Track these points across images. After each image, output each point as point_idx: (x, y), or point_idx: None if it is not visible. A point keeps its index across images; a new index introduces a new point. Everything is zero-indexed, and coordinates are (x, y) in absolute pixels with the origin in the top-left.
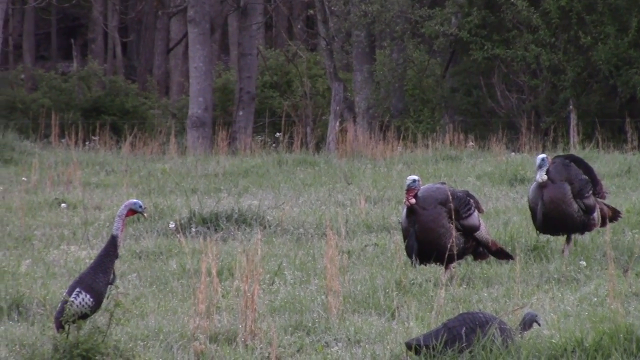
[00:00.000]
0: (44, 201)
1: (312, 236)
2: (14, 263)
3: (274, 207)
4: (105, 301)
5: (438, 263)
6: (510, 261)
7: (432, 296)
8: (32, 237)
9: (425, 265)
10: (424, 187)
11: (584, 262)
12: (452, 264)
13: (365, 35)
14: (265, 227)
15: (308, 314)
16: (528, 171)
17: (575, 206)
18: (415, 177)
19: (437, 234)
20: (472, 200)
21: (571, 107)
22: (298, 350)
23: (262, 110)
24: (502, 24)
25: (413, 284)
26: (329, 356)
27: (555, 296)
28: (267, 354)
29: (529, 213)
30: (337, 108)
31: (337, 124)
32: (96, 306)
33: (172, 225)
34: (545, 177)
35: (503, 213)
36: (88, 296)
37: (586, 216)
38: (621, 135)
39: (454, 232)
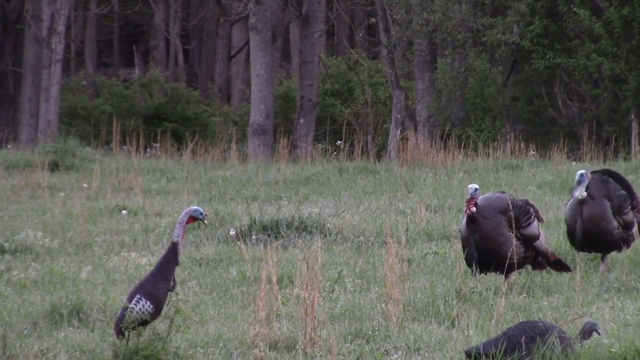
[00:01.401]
0: (104, 208)
1: (372, 244)
2: (74, 269)
3: (335, 215)
4: (165, 308)
5: (498, 272)
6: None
7: (492, 305)
8: (93, 244)
9: (486, 274)
10: (483, 196)
11: None
12: (512, 273)
13: (426, 44)
14: (325, 235)
15: (368, 321)
16: None
17: (615, 223)
18: (476, 186)
19: (497, 243)
20: (532, 209)
21: (632, 116)
22: (357, 358)
23: (323, 118)
24: (564, 33)
25: (473, 292)
26: None
27: (615, 305)
28: None
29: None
30: (398, 116)
31: (398, 132)
32: (156, 313)
33: (232, 232)
34: (585, 194)
35: (564, 222)
36: (148, 303)
37: (625, 232)
38: None
39: (514, 241)
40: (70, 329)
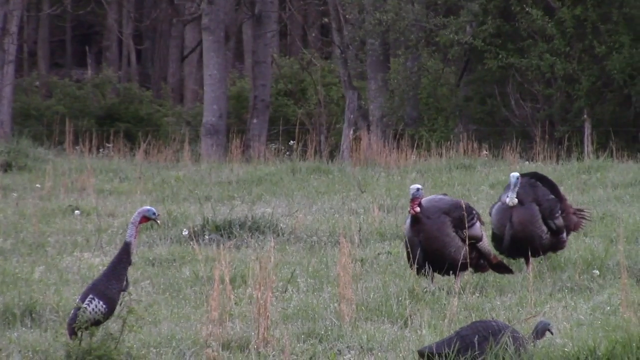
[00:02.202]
0: (57, 208)
1: (325, 244)
2: (27, 269)
3: (288, 215)
4: (118, 308)
5: (446, 274)
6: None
7: (444, 304)
8: (46, 244)
9: (432, 277)
10: (427, 198)
11: (597, 271)
12: (463, 273)
13: (379, 44)
14: (278, 235)
15: (321, 321)
16: None
17: (544, 228)
18: (419, 186)
19: (442, 243)
20: (474, 211)
21: (585, 116)
22: (310, 358)
23: (276, 118)
24: (516, 33)
25: (426, 292)
26: None
27: (568, 305)
28: None
29: None
30: (351, 116)
31: (351, 132)
32: (109, 313)
33: (185, 232)
34: (516, 201)
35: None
36: (101, 303)
37: (554, 237)
38: (635, 144)
39: (459, 242)
40: (23, 329)
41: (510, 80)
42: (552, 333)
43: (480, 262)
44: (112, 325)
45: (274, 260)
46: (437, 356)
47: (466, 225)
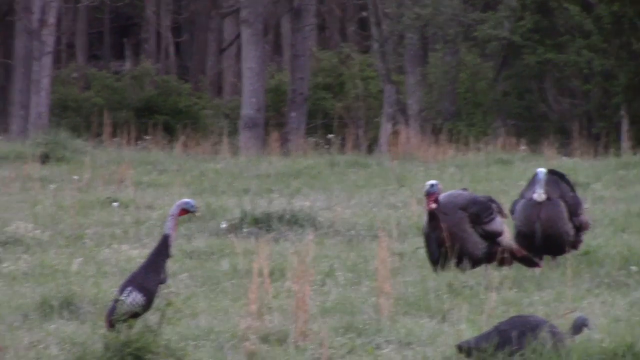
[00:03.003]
0: (95, 200)
1: (363, 238)
2: (65, 261)
3: (326, 209)
4: (156, 300)
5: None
6: (557, 266)
7: (483, 299)
8: (84, 236)
9: (443, 270)
10: (445, 193)
11: (635, 267)
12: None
13: (418, 38)
14: (317, 228)
15: (359, 315)
16: (580, 175)
17: (570, 225)
18: (434, 182)
19: (459, 239)
20: (494, 206)
21: (623, 112)
22: (349, 352)
23: (314, 112)
24: (554, 29)
25: (464, 286)
26: (379, 358)
27: (605, 301)
28: (318, 355)
29: None
30: (390, 110)
31: (390, 126)
32: (147, 305)
33: (224, 225)
34: (544, 196)
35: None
36: (139, 295)
37: (576, 235)
38: None
39: (477, 238)
40: (61, 321)
41: (548, 76)
42: (589, 328)
43: (504, 256)
44: (151, 317)
45: (312, 253)
46: (475, 351)
47: (483, 221)
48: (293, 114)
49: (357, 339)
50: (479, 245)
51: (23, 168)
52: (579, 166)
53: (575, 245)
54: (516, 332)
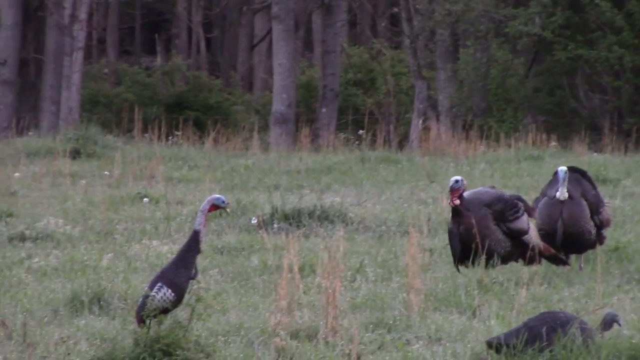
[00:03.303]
0: (126, 195)
1: (394, 234)
2: (95, 257)
3: (356, 205)
4: (186, 296)
5: (479, 264)
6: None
7: (513, 295)
8: (114, 231)
9: (466, 267)
10: (472, 190)
11: None
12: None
13: (449, 34)
14: (347, 224)
15: (389, 311)
16: (610, 171)
17: (592, 223)
18: (458, 178)
19: (481, 236)
20: (521, 204)
21: None
22: (379, 348)
23: (345, 108)
24: (585, 25)
25: (494, 282)
26: (409, 354)
27: (635, 297)
28: (347, 351)
29: (611, 214)
30: (421, 106)
31: (420, 122)
32: (177, 301)
33: (254, 221)
34: (567, 195)
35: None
36: (169, 291)
37: (597, 233)
38: None
39: (500, 235)
40: (91, 316)
41: (579, 72)
42: (619, 325)
43: (529, 254)
44: (181, 313)
45: (342, 249)
46: (505, 347)
47: (508, 219)
48: (324, 110)
49: (387, 335)
50: (502, 243)
51: (54, 164)
52: (609, 162)
53: (596, 243)
54: (546, 328)
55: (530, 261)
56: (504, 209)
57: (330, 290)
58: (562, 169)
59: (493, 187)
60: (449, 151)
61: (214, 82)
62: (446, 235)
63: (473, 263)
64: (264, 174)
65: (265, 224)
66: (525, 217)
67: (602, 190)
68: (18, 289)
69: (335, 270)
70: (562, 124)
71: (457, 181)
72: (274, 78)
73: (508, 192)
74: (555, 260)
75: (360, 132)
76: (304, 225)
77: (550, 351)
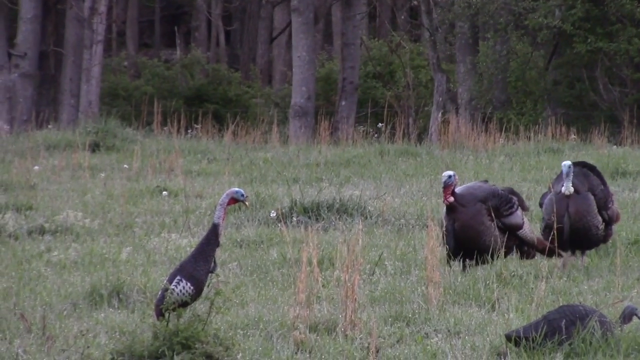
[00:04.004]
0: (145, 189)
1: (413, 227)
2: (114, 250)
3: (376, 198)
4: (205, 289)
5: (483, 263)
6: (609, 254)
7: (532, 288)
8: (133, 225)
9: (464, 262)
10: (465, 185)
11: None
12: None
13: (468, 27)
14: (366, 218)
15: (408, 304)
16: (630, 164)
17: (599, 218)
18: (451, 173)
19: (476, 232)
20: (514, 199)
21: None
22: (398, 341)
23: (364, 101)
24: (605, 17)
25: (513, 276)
26: (428, 347)
27: None
28: (366, 344)
29: (630, 206)
30: (440, 99)
31: (440, 115)
32: (196, 294)
33: (273, 214)
34: (572, 189)
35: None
36: (189, 284)
37: (605, 229)
38: None
39: (496, 231)
40: (110, 310)
41: (598, 65)
42: (639, 318)
43: (524, 248)
44: (200, 306)
45: (361, 242)
46: (524, 340)
47: (503, 214)
48: (343, 103)
49: (405, 328)
50: (497, 239)
51: (73, 157)
52: (628, 155)
53: (605, 238)
54: (565, 322)
55: (524, 255)
56: (499, 205)
57: (349, 284)
58: (566, 163)
59: (486, 182)
60: (468, 144)
61: (233, 75)
62: None
63: (476, 261)
64: (283, 167)
65: (284, 217)
66: (519, 211)
67: (621, 183)
68: (37, 282)
69: (354, 263)
70: (581, 116)
71: (450, 177)
72: (294, 71)
73: (500, 186)
74: (549, 253)
75: (380, 125)
76: (323, 219)
77: (570, 344)
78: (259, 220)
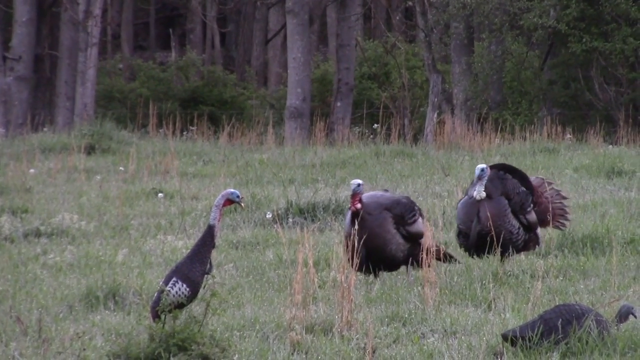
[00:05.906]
0: (141, 191)
1: None
2: (110, 252)
3: None
4: (201, 291)
5: (388, 270)
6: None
7: (528, 288)
8: (129, 227)
9: (376, 272)
10: (368, 194)
11: None
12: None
13: (463, 27)
14: None
15: (404, 305)
16: (625, 164)
17: (515, 223)
18: (360, 181)
19: (383, 240)
20: (417, 206)
21: None
22: (394, 341)
23: (360, 102)
24: (600, 17)
25: (510, 275)
26: (425, 347)
27: None
28: (363, 345)
29: (626, 206)
30: (435, 100)
31: (435, 115)
32: (192, 296)
33: (269, 215)
34: (484, 195)
35: (600, 205)
36: (184, 286)
37: (527, 234)
38: None
39: (400, 239)
40: (106, 312)
41: (594, 64)
42: (635, 317)
43: (423, 256)
44: (196, 308)
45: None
46: (520, 339)
47: (407, 222)
48: (338, 104)
49: (402, 329)
50: (401, 247)
51: (69, 159)
52: (624, 154)
53: (527, 244)
54: (561, 321)
55: (421, 264)
56: (404, 212)
57: (345, 284)
58: (479, 166)
59: (387, 190)
60: (463, 144)
61: (229, 76)
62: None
63: (379, 269)
64: (279, 169)
65: (280, 218)
66: (420, 219)
67: (617, 182)
68: (33, 284)
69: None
70: (577, 116)
71: (359, 185)
72: (289, 72)
73: (398, 194)
74: (448, 259)
75: (375, 126)
76: (319, 220)
77: (566, 344)
78: (254, 221)
